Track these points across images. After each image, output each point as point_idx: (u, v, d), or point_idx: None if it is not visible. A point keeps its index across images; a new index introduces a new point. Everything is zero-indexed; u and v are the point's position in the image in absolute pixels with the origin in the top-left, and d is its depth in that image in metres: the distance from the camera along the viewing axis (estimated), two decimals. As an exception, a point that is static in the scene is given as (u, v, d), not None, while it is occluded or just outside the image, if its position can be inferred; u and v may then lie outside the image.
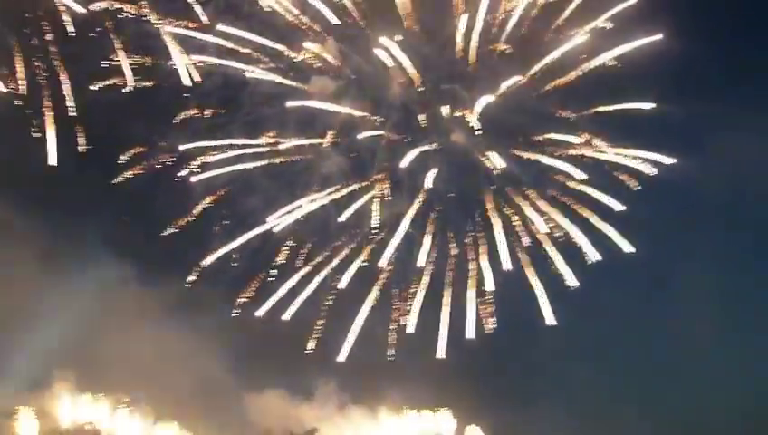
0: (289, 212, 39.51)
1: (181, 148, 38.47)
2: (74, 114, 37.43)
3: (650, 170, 39.56)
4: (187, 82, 38.02)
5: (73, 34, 37.33)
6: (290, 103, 38.77)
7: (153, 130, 38.73)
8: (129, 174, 38.56)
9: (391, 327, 41.12)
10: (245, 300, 40.33)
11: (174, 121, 38.93)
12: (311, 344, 40.86)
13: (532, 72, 38.98)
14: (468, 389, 42.72)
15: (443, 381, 42.28)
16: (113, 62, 37.94)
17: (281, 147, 39.61)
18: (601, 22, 38.16)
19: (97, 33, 37.64)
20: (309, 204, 39.87)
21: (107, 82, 37.88)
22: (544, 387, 44.80)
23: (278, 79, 39.59)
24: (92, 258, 39.32)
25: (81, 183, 38.23)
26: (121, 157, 38.64)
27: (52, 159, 36.75)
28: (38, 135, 36.81)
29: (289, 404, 43.21)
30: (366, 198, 40.36)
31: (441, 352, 40.74)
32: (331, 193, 40.16)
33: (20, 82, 36.78)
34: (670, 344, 43.15)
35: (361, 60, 39.94)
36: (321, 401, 43.81)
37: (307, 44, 39.38)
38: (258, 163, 39.59)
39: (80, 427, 37.60)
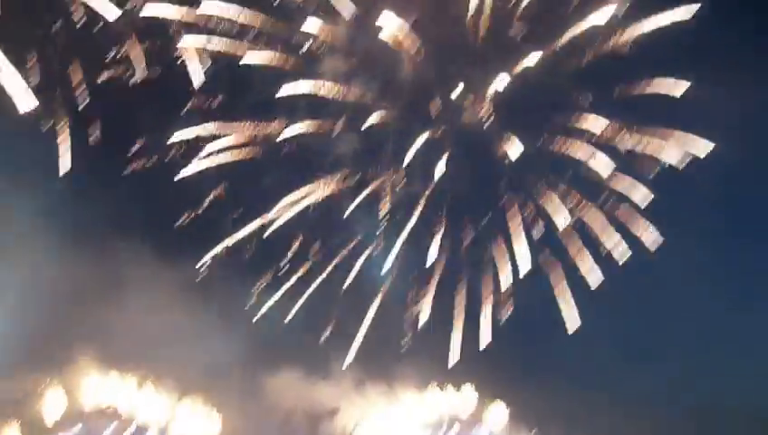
0: (298, 200, 39.03)
1: (169, 142, 38.05)
2: (85, 103, 37.67)
3: (684, 157, 36.64)
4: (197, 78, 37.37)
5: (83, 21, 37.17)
6: (280, 95, 37.40)
7: (161, 119, 38.53)
8: (138, 164, 38.81)
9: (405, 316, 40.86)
10: (259, 289, 40.59)
11: (183, 111, 38.63)
12: (325, 334, 41.19)
13: (548, 51, 36.30)
14: (489, 366, 42.23)
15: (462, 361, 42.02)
16: (120, 52, 37.69)
17: (288, 132, 38.71)
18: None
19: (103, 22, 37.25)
20: (318, 191, 39.24)
21: (114, 72, 37.76)
22: (566, 364, 43.83)
23: (287, 62, 38.38)
24: (110, 237, 39.96)
25: (94, 172, 38.77)
26: (132, 148, 38.84)
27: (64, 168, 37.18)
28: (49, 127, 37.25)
29: (305, 383, 43.89)
30: (376, 183, 39.44)
31: (453, 360, 40.39)
32: (340, 180, 39.40)
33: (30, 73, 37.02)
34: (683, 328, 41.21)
35: (371, 41, 38.15)
36: (338, 379, 44.22)
37: (312, 21, 37.53)
38: (265, 150, 39.03)
39: (101, 410, 38.98)
